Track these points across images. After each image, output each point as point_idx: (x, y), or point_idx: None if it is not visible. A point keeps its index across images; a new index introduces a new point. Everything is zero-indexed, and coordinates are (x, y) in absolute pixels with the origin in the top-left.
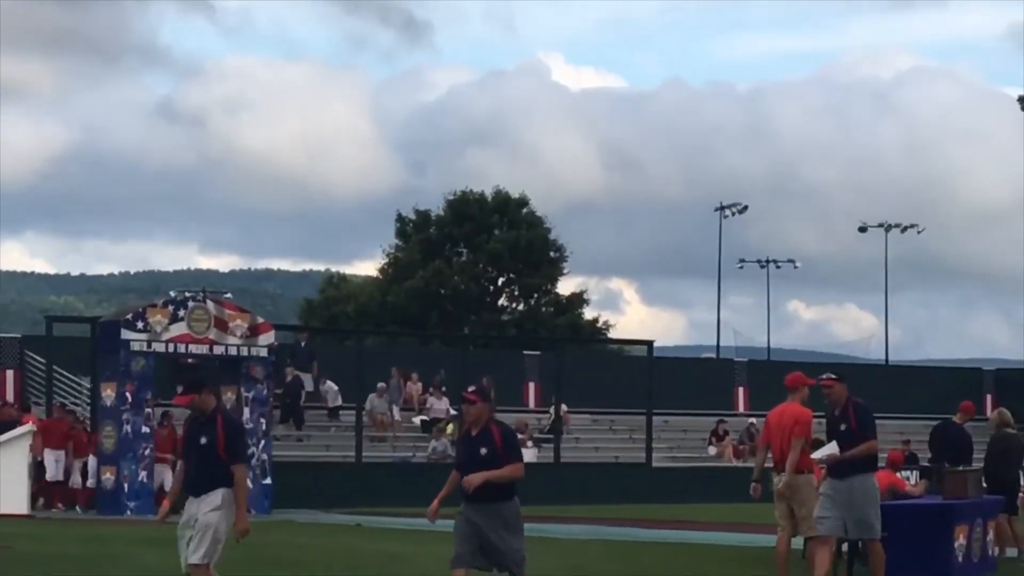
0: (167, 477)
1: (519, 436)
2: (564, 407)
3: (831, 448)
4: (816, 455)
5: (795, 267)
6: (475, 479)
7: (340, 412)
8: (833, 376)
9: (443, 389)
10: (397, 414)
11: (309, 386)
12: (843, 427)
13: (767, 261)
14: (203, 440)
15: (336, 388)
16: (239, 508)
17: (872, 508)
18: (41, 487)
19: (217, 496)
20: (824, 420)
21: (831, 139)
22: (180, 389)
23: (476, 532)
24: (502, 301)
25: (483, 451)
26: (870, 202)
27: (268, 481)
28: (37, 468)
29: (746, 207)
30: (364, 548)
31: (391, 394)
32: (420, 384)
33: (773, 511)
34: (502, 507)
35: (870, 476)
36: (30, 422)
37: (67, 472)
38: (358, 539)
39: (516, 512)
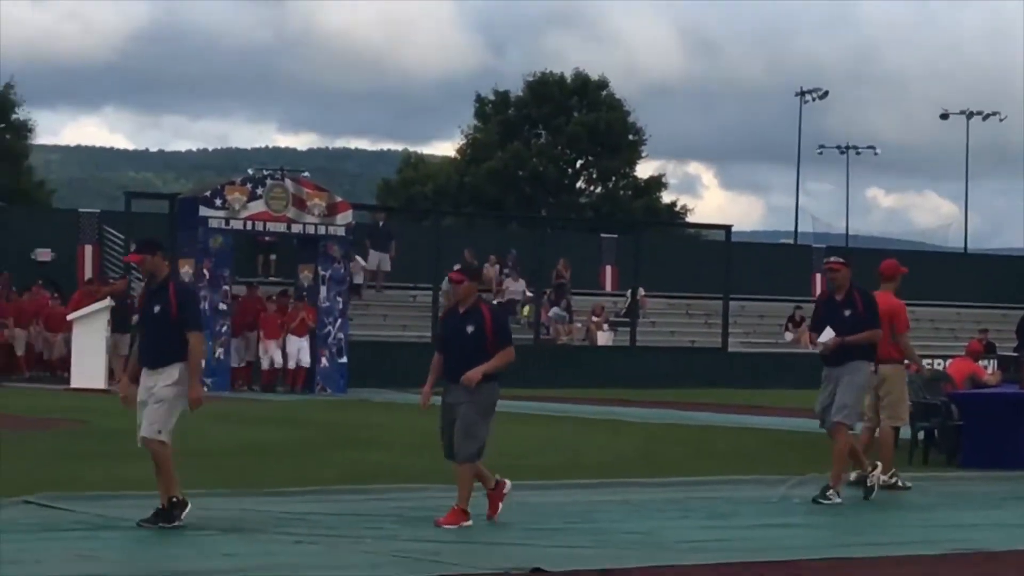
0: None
1: (595, 319)
2: (641, 290)
3: (831, 333)
4: (822, 339)
5: (875, 153)
6: (474, 376)
7: (363, 290)
8: (841, 260)
9: (518, 270)
10: None
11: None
12: (848, 312)
13: (847, 147)
14: (156, 309)
15: (362, 265)
16: (192, 376)
17: (853, 393)
18: None
19: (175, 371)
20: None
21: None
22: (133, 248)
23: (453, 418)
24: (580, 184)
25: (469, 329)
26: (952, 89)
27: (344, 360)
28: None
29: (827, 92)
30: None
31: None
32: (497, 267)
33: None
34: (482, 387)
35: (866, 364)
36: (108, 298)
37: None
38: (432, 419)
39: (493, 396)
